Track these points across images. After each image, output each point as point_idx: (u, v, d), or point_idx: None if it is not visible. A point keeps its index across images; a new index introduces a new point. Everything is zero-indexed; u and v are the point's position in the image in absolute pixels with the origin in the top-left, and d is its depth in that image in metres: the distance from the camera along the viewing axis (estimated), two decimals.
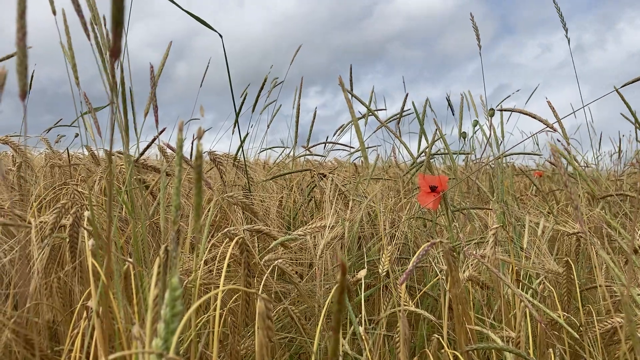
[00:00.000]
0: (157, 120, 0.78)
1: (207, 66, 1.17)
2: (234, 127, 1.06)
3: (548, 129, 0.98)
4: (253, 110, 1.29)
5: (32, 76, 1.35)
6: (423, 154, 1.15)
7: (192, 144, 1.31)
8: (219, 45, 0.93)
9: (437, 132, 1.10)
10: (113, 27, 0.26)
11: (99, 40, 0.62)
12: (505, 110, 1.12)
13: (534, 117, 0.98)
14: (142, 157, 1.05)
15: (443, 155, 1.54)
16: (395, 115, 1.34)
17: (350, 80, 1.46)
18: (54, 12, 0.67)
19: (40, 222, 0.71)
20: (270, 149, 1.79)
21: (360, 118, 1.47)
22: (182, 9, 0.83)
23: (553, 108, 1.10)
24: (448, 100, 1.61)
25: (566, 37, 1.03)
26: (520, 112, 1.01)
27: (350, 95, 1.16)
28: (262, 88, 1.22)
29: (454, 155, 1.19)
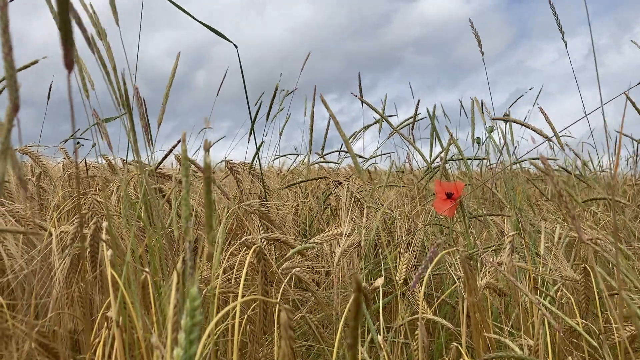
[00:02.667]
0: (149, 136, 0.78)
1: (224, 76, 1.18)
2: (250, 135, 1.07)
3: (562, 134, 0.98)
4: (267, 119, 1.30)
5: (50, 86, 1.37)
6: (438, 159, 1.15)
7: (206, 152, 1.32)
8: (235, 54, 0.94)
9: (450, 138, 1.10)
10: (62, 40, 0.26)
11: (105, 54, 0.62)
12: (498, 119, 1.11)
13: (527, 126, 0.97)
14: (158, 167, 1.06)
15: (457, 161, 1.53)
16: (409, 119, 1.34)
17: (360, 87, 1.46)
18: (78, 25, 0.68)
19: (61, 232, 0.71)
20: (284, 156, 1.80)
21: (373, 124, 1.48)
22: (198, 21, 0.84)
23: (546, 115, 1.10)
24: (461, 104, 1.61)
25: (563, 40, 1.02)
26: (514, 121, 1.01)
27: (360, 104, 1.17)
28: (274, 96, 1.23)
29: (469, 161, 1.18)
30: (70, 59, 0.27)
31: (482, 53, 1.12)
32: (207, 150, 0.39)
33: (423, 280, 0.70)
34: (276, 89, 1.17)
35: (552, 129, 1.20)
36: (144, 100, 0.71)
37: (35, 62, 0.70)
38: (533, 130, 0.96)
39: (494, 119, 1.16)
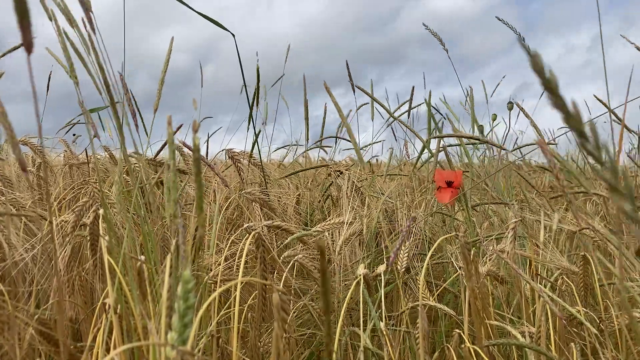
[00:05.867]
0: (136, 124, 0.78)
1: (200, 66, 1.17)
2: (248, 123, 1.06)
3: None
4: (257, 104, 1.28)
5: (49, 76, 1.37)
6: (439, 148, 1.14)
7: (207, 142, 1.32)
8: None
9: (444, 121, 1.09)
10: (18, 20, 0.25)
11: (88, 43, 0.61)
12: (446, 136, 1.11)
13: (470, 137, 0.97)
14: (157, 156, 1.06)
15: (459, 154, 1.53)
16: (404, 103, 1.34)
17: (349, 74, 1.45)
18: (50, 19, 0.67)
19: (61, 220, 0.71)
20: (282, 148, 1.79)
21: (364, 104, 1.48)
22: (197, 12, 0.83)
23: (524, 110, 1.09)
24: (466, 93, 1.60)
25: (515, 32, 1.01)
26: (460, 135, 1.00)
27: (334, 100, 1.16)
28: (258, 80, 1.21)
29: (470, 151, 1.18)
30: (28, 41, 0.26)
31: (447, 50, 1.12)
32: (195, 131, 0.39)
33: (423, 268, 0.70)
34: (257, 70, 1.15)
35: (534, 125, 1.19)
36: (125, 85, 0.70)
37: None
38: (487, 143, 0.96)
39: (439, 137, 1.16)
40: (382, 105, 1.03)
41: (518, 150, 1.27)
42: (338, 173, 1.07)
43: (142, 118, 0.80)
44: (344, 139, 1.54)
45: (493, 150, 1.40)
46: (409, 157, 1.65)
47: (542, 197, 1.39)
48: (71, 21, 0.62)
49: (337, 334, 0.61)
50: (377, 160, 2.09)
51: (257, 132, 1.04)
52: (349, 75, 1.36)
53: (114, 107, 0.55)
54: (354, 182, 0.99)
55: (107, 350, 0.56)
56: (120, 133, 0.56)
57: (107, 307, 0.56)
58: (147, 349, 0.53)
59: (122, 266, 0.57)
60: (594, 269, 0.79)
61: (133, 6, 0.77)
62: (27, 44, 0.26)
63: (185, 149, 1.00)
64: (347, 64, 1.35)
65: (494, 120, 1.20)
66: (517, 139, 1.22)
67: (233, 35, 0.91)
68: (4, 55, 0.75)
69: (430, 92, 1.10)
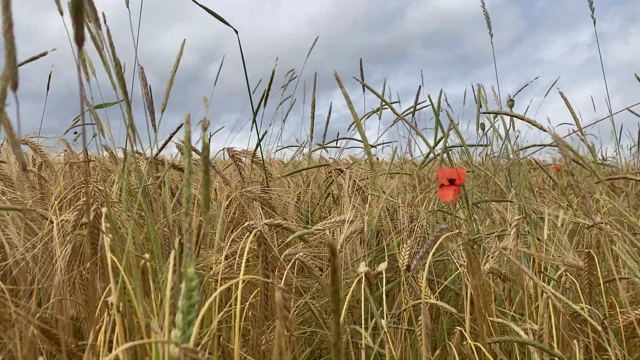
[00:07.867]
0: (153, 121, 0.77)
1: (220, 66, 1.17)
2: (253, 124, 1.06)
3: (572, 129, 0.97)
4: (265, 105, 1.28)
5: (49, 76, 1.37)
6: (440, 147, 1.14)
7: (209, 140, 1.32)
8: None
9: (451, 124, 1.09)
10: (73, 14, 0.25)
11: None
12: (490, 112, 1.11)
13: (522, 118, 0.96)
14: (158, 154, 1.05)
15: (460, 150, 1.53)
16: (410, 108, 1.33)
17: (361, 73, 1.44)
18: (61, 13, 0.67)
19: (62, 220, 0.71)
20: (286, 147, 1.79)
21: (375, 111, 1.47)
22: (203, 7, 0.83)
23: (566, 100, 1.09)
24: (472, 92, 1.60)
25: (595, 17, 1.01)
26: (508, 114, 1.00)
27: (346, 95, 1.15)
28: (271, 81, 1.21)
29: (471, 149, 1.18)
30: (81, 35, 0.26)
31: (491, 35, 1.12)
32: (205, 129, 0.39)
33: (425, 266, 0.69)
34: (273, 73, 1.15)
35: (573, 114, 1.19)
36: (145, 79, 0.70)
37: (44, 54, 0.69)
38: (527, 121, 0.95)
39: (483, 113, 1.16)
40: (390, 106, 1.03)
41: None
42: (339, 171, 1.07)
43: (153, 115, 0.80)
44: (349, 138, 1.54)
45: (491, 149, 1.40)
46: (412, 156, 1.64)
47: (555, 192, 1.39)
48: (89, 17, 0.62)
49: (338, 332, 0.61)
50: (377, 158, 2.09)
51: (261, 133, 1.04)
52: (361, 74, 1.35)
53: (128, 104, 0.55)
54: (355, 180, 0.98)
55: (110, 350, 0.56)
56: (132, 130, 0.55)
57: (109, 305, 0.56)
58: (150, 347, 0.53)
59: (125, 264, 0.57)
60: (597, 266, 0.78)
61: (136, 5, 0.77)
62: (79, 39, 0.27)
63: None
64: (360, 63, 1.35)
65: (495, 118, 1.20)
66: (517, 137, 1.22)
67: (236, 32, 0.91)
68: (22, 64, 0.75)
69: (441, 91, 1.10)
